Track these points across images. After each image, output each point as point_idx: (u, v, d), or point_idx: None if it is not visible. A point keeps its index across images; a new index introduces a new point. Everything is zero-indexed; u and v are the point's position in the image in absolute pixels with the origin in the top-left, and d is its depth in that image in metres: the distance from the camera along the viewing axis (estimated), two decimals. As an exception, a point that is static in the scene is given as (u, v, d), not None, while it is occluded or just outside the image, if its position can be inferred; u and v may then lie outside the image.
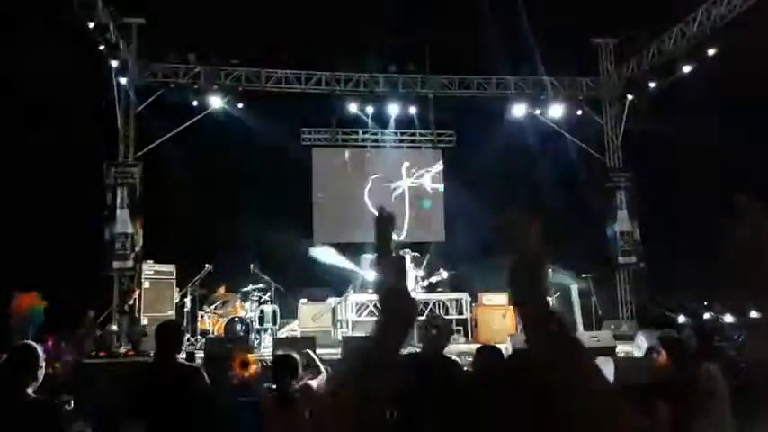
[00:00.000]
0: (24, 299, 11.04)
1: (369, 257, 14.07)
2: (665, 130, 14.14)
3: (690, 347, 4.57)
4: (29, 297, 11.08)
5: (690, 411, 4.12)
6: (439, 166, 17.26)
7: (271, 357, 9.24)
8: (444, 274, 12.54)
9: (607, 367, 4.48)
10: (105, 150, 14.19)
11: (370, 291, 13.01)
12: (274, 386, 4.62)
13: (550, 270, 12.36)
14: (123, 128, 14.36)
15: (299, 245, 15.22)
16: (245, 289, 12.44)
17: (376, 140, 16.97)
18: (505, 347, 8.43)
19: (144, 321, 11.64)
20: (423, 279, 11.75)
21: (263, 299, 12.50)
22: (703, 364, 4.31)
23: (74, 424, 4.29)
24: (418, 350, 4.54)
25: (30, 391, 3.64)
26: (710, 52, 12.70)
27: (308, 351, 5.59)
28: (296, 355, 4.68)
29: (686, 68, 13.51)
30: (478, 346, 4.71)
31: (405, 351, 7.64)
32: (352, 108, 15.84)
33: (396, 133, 16.98)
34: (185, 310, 12.19)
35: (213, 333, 11.85)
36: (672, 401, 4.21)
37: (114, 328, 12.10)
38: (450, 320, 10.81)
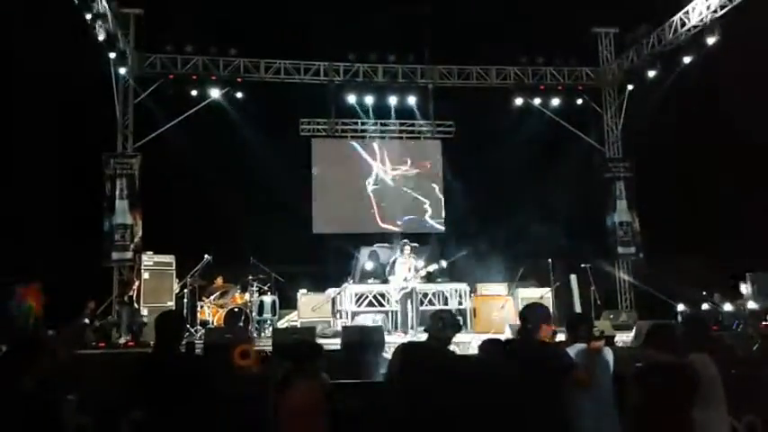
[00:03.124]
0: (24, 293, 11.02)
1: (367, 249, 14.09)
2: (665, 119, 14.15)
3: (679, 337, 4.58)
4: (27, 292, 11.06)
5: (675, 400, 4.14)
6: (438, 157, 17.22)
7: (270, 348, 9.28)
8: (443, 264, 12.55)
9: (608, 357, 4.49)
10: (104, 141, 14.17)
11: (369, 281, 13.03)
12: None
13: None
14: (122, 119, 14.34)
15: (299, 235, 15.24)
16: (244, 279, 12.45)
17: (375, 131, 16.94)
18: (505, 337, 8.47)
19: (144, 312, 11.65)
20: (421, 269, 11.75)
21: (262, 289, 12.52)
22: (690, 354, 4.33)
23: (73, 415, 4.30)
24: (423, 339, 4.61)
25: (29, 383, 3.65)
26: (710, 42, 12.66)
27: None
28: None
29: (686, 58, 13.49)
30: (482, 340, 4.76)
31: (411, 339, 7.70)
32: (351, 98, 15.81)
33: (395, 123, 16.95)
34: (185, 300, 12.20)
35: (213, 323, 11.87)
36: (658, 390, 4.23)
37: (114, 318, 12.12)
38: (450, 311, 10.81)
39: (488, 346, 4.90)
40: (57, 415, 3.68)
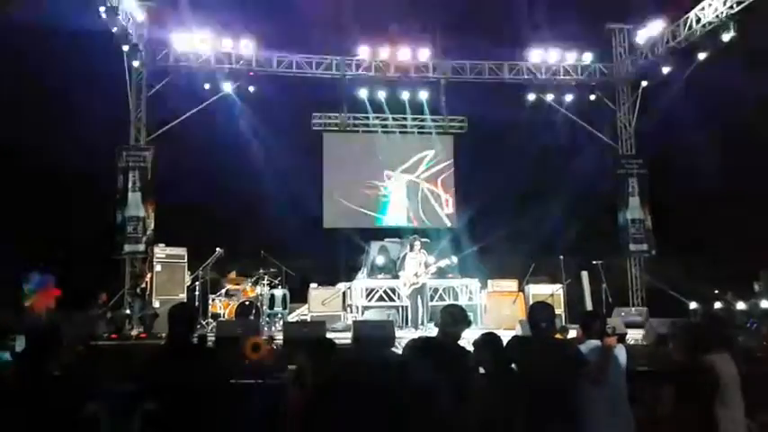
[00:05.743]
0: (40, 300, 11.09)
1: (378, 243, 14.09)
2: (679, 116, 14.05)
3: (699, 335, 4.52)
4: (44, 300, 11.13)
5: (697, 399, 4.11)
6: (450, 152, 17.19)
7: (281, 341, 9.31)
8: (454, 260, 12.56)
9: (620, 354, 4.47)
10: (117, 134, 14.24)
11: (379, 276, 13.05)
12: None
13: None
14: (135, 111, 14.38)
15: (310, 229, 15.27)
16: (255, 273, 12.49)
17: (386, 125, 16.91)
18: (515, 333, 8.47)
19: (155, 304, 11.70)
20: (432, 265, 11.74)
21: (273, 283, 12.55)
22: (711, 352, 4.26)
23: (88, 405, 4.33)
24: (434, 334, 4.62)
25: (52, 371, 3.70)
26: (725, 38, 12.55)
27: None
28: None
29: (701, 55, 13.38)
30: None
31: (423, 335, 7.70)
32: (363, 93, 15.80)
33: (407, 118, 16.91)
34: (196, 293, 12.25)
35: (224, 316, 11.91)
36: (679, 388, 4.19)
37: (126, 310, 12.20)
38: (460, 306, 10.81)
39: (484, 338, 4.89)
40: (77, 403, 3.72)
